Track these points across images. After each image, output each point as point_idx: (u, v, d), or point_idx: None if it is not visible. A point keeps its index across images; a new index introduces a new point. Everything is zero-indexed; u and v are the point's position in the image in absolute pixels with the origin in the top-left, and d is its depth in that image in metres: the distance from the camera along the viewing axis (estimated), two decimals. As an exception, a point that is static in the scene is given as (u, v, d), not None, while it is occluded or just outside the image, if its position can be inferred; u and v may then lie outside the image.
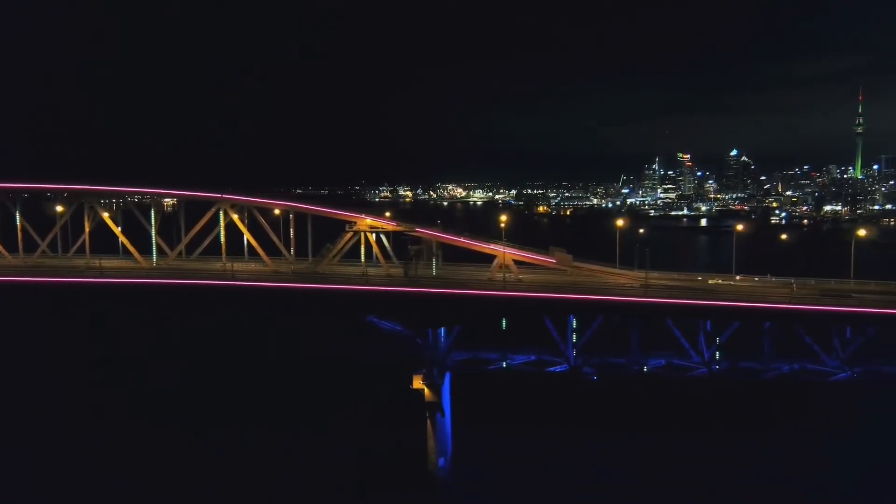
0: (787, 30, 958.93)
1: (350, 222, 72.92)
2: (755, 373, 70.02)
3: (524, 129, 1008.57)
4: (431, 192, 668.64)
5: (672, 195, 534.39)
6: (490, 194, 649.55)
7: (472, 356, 74.02)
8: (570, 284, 70.62)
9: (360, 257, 74.37)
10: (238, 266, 75.71)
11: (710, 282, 72.46)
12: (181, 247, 75.25)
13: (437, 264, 76.14)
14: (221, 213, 73.54)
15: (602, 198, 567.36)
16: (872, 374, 68.53)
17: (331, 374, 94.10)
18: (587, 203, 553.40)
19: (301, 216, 76.21)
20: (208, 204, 74.46)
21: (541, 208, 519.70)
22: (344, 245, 72.89)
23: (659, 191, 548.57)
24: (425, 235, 73.66)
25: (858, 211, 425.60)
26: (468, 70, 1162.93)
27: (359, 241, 73.19)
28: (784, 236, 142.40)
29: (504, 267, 72.04)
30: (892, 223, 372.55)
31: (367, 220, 72.16)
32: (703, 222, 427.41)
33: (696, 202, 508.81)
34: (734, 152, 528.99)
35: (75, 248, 75.92)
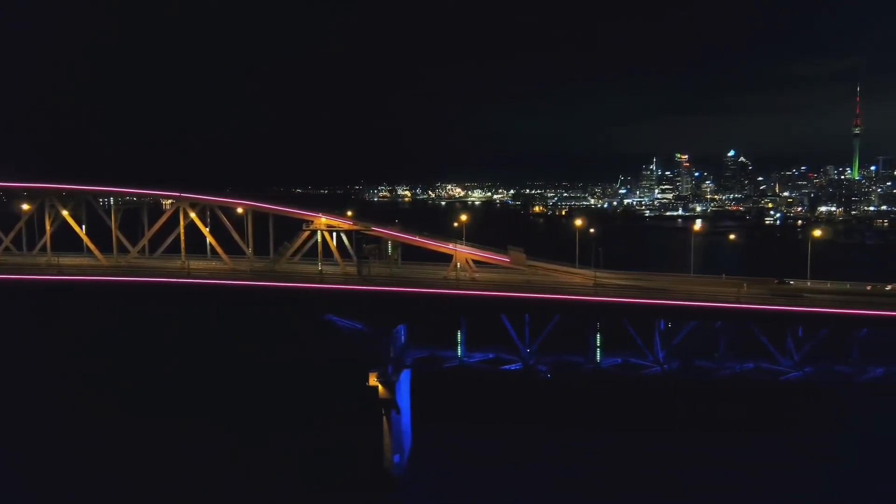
0: (786, 30, 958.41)
1: (307, 221, 73.62)
2: (709, 372, 70.57)
3: (524, 129, 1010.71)
4: (430, 192, 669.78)
5: (669, 196, 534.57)
6: (489, 194, 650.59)
7: (430, 354, 74.67)
8: (523, 283, 71.31)
9: (321, 256, 74.98)
10: (199, 264, 76.46)
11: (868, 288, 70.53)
12: (142, 244, 76.06)
13: (396, 263, 76.89)
14: (181, 211, 74.29)
15: (600, 198, 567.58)
16: (824, 374, 69.05)
17: (290, 372, 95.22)
18: (583, 203, 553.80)
19: (263, 215, 76.83)
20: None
21: (537, 208, 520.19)
22: (301, 244, 73.64)
23: (656, 191, 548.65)
24: (382, 234, 74.41)
25: (853, 212, 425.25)
26: (468, 70, 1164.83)
27: (321, 240, 73.86)
28: (732, 236, 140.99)
29: (458, 266, 72.72)
30: (885, 224, 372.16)
31: (322, 219, 72.82)
32: (698, 223, 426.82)
33: (693, 203, 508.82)
34: (731, 153, 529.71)
35: (39, 245, 76.89)
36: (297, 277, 72.65)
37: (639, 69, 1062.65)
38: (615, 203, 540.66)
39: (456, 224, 78.17)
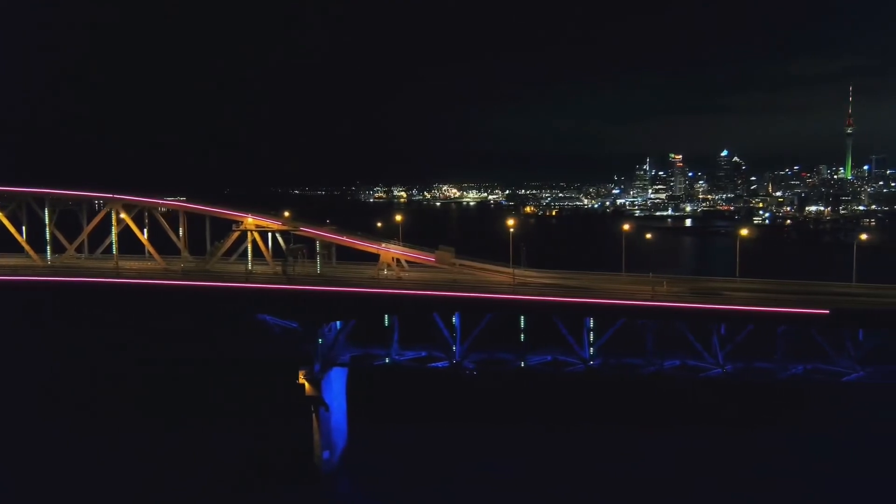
0: (784, 30, 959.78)
1: (237, 221, 74.79)
2: (636, 368, 71.40)
3: (522, 130, 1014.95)
4: (426, 193, 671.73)
5: (662, 195, 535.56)
6: (485, 195, 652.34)
7: (365, 352, 75.71)
8: (449, 282, 72.27)
9: (256, 256, 76.09)
10: (133, 265, 77.68)
11: None
12: (76, 244, 77.34)
13: (330, 263, 77.90)
14: (113, 212, 75.52)
15: (593, 198, 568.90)
16: (746, 371, 69.86)
17: (224, 371, 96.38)
18: (575, 203, 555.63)
19: (200, 216, 77.90)
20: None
21: (528, 209, 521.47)
22: (231, 244, 74.83)
23: (650, 191, 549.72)
24: (310, 234, 75.45)
25: (842, 211, 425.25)
26: (466, 70, 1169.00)
27: (253, 241, 74.96)
28: (648, 235, 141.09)
29: (385, 265, 73.92)
30: (872, 223, 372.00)
31: (250, 220, 73.98)
32: (688, 222, 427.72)
33: (684, 202, 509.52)
34: (724, 152, 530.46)
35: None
36: (227, 277, 73.69)
37: (636, 69, 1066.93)
38: (607, 203, 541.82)
39: (379, 225, 79.14)
